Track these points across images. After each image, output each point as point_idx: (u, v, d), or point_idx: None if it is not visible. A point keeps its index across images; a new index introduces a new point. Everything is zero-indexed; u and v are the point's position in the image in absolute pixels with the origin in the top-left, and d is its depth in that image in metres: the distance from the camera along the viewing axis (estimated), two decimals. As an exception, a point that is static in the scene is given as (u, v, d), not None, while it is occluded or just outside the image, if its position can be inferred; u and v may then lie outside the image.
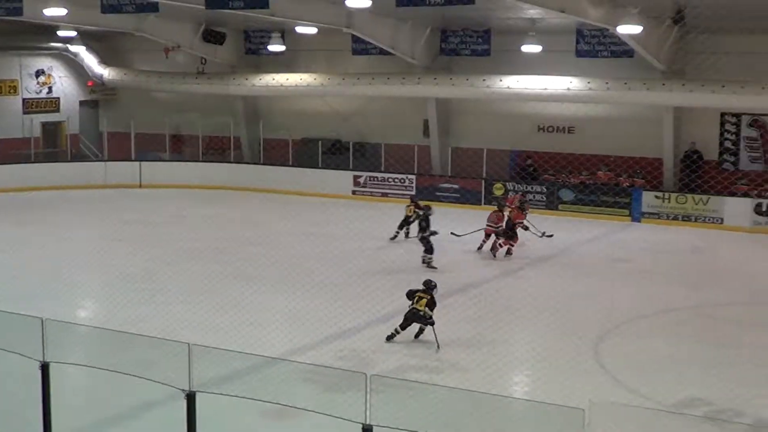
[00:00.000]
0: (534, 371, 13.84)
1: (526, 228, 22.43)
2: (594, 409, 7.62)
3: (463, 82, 29.24)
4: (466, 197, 29.85)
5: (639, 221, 27.58)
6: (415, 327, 14.94)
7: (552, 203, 28.31)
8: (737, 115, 27.80)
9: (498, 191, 29.23)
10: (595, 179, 29.03)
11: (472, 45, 29.96)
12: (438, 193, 30.17)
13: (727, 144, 28.14)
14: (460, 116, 31.74)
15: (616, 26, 23.48)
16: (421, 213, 21.82)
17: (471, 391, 8.84)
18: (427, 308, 14.72)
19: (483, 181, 29.87)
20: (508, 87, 28.56)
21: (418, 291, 14.93)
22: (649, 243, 24.56)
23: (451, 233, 22.45)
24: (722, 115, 27.97)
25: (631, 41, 25.17)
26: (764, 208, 26.23)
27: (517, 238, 22.22)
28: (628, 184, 28.59)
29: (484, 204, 28.97)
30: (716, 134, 28.26)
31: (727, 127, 28.09)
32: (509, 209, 22.84)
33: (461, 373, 13.32)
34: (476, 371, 13.28)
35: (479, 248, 22.47)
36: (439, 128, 31.41)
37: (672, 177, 28.42)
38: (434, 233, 20.75)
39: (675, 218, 27.18)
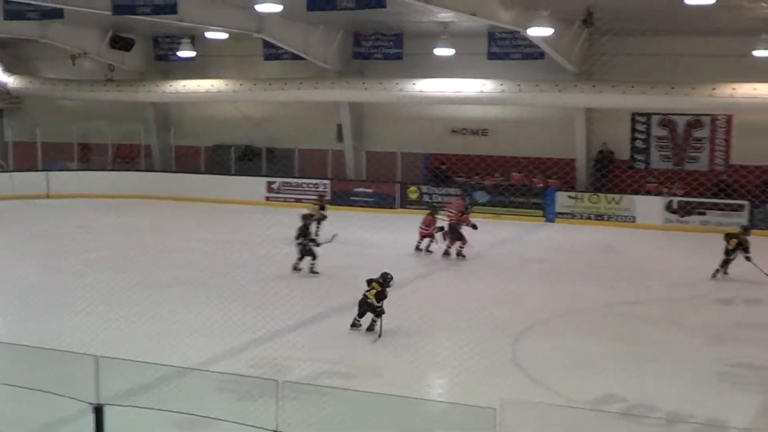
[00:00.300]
0: (449, 373, 13.77)
1: (475, 227, 22.29)
2: (506, 408, 7.55)
3: (376, 86, 29.20)
4: (381, 202, 29.81)
5: (553, 221, 27.85)
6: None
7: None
8: (647, 115, 28.24)
9: (413, 194, 29.27)
10: (508, 180, 29.21)
11: (385, 49, 30.00)
12: (353, 198, 30.13)
13: (638, 143, 28.58)
14: (374, 120, 31.73)
15: (527, 29, 23.65)
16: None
17: (383, 395, 8.71)
18: (374, 298, 14.93)
19: (397, 185, 29.86)
20: (421, 90, 28.63)
21: (374, 280, 15.21)
22: (563, 243, 24.79)
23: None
24: (633, 115, 28.39)
25: (542, 43, 25.39)
26: (675, 206, 26.66)
27: (465, 239, 22.11)
28: (541, 184, 28.81)
29: (399, 208, 29.02)
30: (627, 134, 28.70)
31: (638, 126, 28.54)
32: (449, 213, 22.69)
33: (376, 377, 13.18)
34: (391, 375, 13.17)
35: (416, 248, 22.56)
36: (352, 132, 31.34)
37: (585, 177, 28.75)
38: (317, 243, 20.45)
39: (588, 218, 27.51)
